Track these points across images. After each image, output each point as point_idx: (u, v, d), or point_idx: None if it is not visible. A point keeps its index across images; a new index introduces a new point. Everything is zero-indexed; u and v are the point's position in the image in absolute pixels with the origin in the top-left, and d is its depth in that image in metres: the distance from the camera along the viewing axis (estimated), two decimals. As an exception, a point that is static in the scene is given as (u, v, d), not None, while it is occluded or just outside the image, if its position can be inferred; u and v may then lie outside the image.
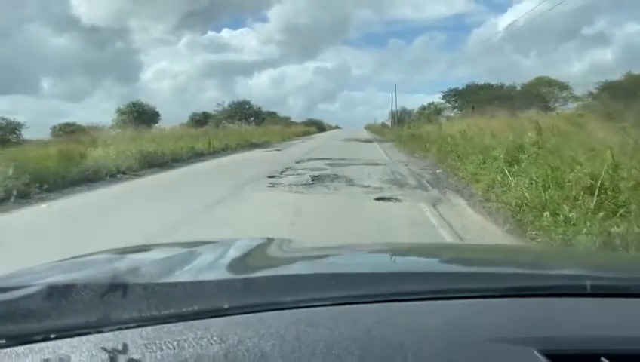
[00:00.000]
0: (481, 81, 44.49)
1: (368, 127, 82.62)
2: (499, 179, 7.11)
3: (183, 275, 0.93)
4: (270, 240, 1.36)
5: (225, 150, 19.50)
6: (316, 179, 9.60)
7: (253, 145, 23.59)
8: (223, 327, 0.69)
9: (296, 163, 13.48)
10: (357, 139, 33.50)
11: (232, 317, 0.73)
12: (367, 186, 8.63)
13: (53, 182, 8.81)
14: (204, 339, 0.66)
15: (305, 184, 8.91)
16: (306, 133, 50.75)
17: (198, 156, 16.17)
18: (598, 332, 0.75)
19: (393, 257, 1.41)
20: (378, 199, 7.30)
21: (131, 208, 6.69)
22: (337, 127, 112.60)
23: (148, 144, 15.71)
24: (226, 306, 0.75)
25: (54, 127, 33.90)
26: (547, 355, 0.64)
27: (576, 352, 0.67)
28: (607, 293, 0.89)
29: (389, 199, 7.34)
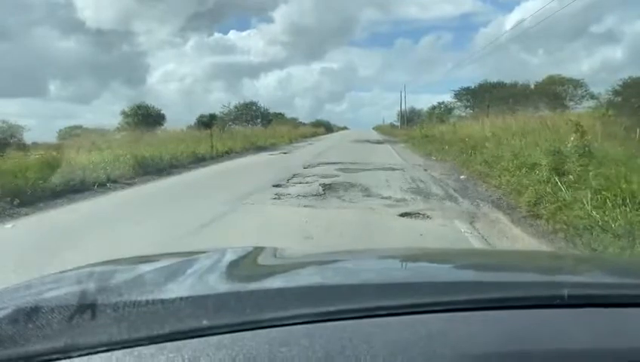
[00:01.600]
0: (493, 80, 43.20)
1: (377, 128, 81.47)
2: (548, 190, 5.93)
3: (154, 293, 0.86)
4: (256, 250, 1.33)
5: (229, 153, 18.42)
6: (328, 188, 8.47)
7: (259, 148, 22.48)
8: (196, 349, 0.68)
9: (305, 168, 12.35)
10: (367, 141, 32.34)
11: (205, 338, 0.70)
12: (387, 197, 7.48)
13: (30, 195, 7.78)
14: None
15: (315, 195, 7.78)
16: (313, 135, 49.69)
17: (199, 161, 15.09)
18: (575, 345, 0.73)
19: (371, 266, 1.36)
20: (403, 215, 6.15)
21: (104, 230, 5.56)
22: (345, 128, 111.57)
23: (146, 148, 14.70)
24: (200, 326, 0.72)
25: (60, 130, 33.43)
26: None
27: None
28: (585, 303, 0.85)
29: (416, 215, 6.18)
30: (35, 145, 20.85)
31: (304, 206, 6.83)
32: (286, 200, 7.32)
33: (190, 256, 1.25)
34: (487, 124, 16.03)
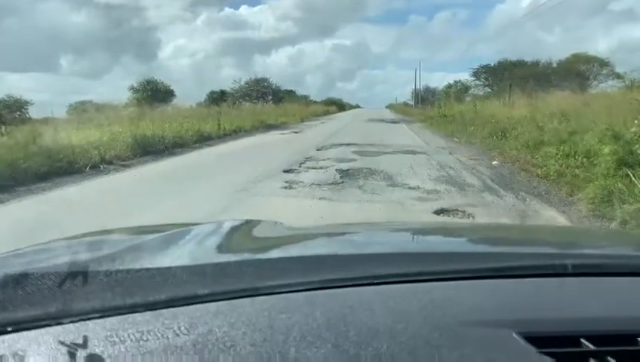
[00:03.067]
0: (511, 58, 41.43)
1: (390, 107, 79.74)
2: (619, 186, 4.84)
3: (150, 261, 0.87)
4: (253, 223, 1.31)
5: (237, 132, 17.37)
6: (345, 175, 7.43)
7: (269, 127, 21.38)
8: (192, 316, 0.66)
9: (318, 150, 11.30)
10: (381, 120, 31.12)
11: (202, 304, 0.69)
12: (415, 188, 6.43)
13: (8, 178, 6.87)
14: (172, 329, 0.63)
15: (332, 183, 6.75)
16: (325, 113, 48.41)
17: (205, 140, 14.07)
18: (578, 313, 0.73)
19: (373, 238, 1.34)
20: (439, 212, 5.12)
21: (82, 224, 4.61)
22: (358, 107, 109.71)
23: (148, 126, 13.73)
24: (198, 293, 0.71)
25: (70, 105, 32.89)
26: (526, 337, 0.62)
27: (556, 334, 0.65)
28: (589, 272, 0.86)
29: (454, 212, 5.15)
30: (34, 120, 20.15)
31: (319, 198, 5.82)
32: (298, 190, 6.31)
33: (187, 227, 1.18)
34: (520, 104, 14.70)
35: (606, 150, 5.69)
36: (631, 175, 4.88)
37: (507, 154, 9.67)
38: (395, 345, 0.61)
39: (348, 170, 7.95)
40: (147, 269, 0.78)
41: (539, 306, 0.75)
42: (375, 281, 0.77)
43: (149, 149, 10.93)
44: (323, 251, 1.09)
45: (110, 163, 9.16)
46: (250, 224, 1.29)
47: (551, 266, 0.85)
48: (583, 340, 0.63)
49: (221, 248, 1.04)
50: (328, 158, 9.61)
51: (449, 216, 5.01)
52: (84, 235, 1.18)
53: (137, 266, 0.79)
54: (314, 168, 8.28)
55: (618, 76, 35.07)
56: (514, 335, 0.63)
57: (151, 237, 1.12)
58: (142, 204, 5.71)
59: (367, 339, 0.62)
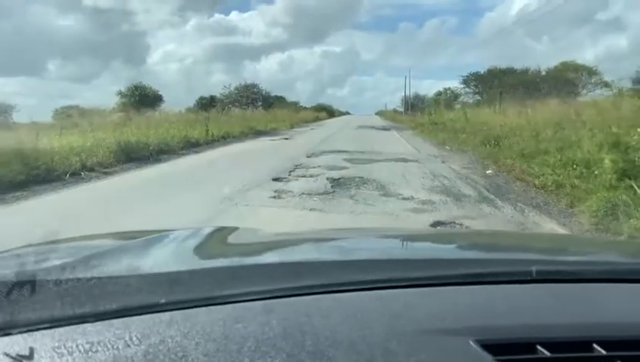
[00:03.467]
0: (500, 66, 41.69)
1: (380, 114, 79.69)
2: (623, 198, 4.62)
3: (102, 270, 0.82)
4: (228, 230, 1.28)
5: (226, 138, 17.03)
6: (337, 184, 7.16)
7: (258, 133, 21.07)
8: (145, 326, 0.64)
9: (308, 157, 11.04)
10: (372, 127, 30.95)
11: (155, 314, 0.67)
12: (409, 198, 6.18)
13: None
14: (123, 339, 0.61)
15: (322, 193, 6.47)
16: (315, 119, 48.21)
17: (192, 147, 13.73)
18: (536, 320, 0.72)
19: (337, 245, 1.31)
20: (436, 225, 4.87)
21: (54, 235, 4.29)
22: (347, 113, 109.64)
23: (133, 131, 13.39)
24: (151, 302, 0.69)
25: (56, 110, 32.47)
26: (483, 345, 0.62)
27: (513, 341, 0.64)
28: (553, 279, 0.85)
29: (452, 225, 4.90)
30: (34, 124, 19.71)
31: (310, 209, 5.54)
32: (287, 200, 6.02)
33: (143, 235, 1.15)
34: (512, 112, 14.58)
35: (607, 160, 5.48)
36: (635, 187, 4.68)
37: (501, 163, 9.47)
38: (352, 354, 0.60)
39: (339, 178, 7.68)
40: (99, 278, 0.75)
41: (498, 313, 0.74)
42: (334, 289, 0.75)
43: (132, 156, 10.57)
44: (283, 259, 1.06)
45: (92, 170, 8.81)
46: (224, 231, 1.26)
47: (514, 273, 0.84)
48: (539, 347, 0.62)
49: (181, 256, 1.01)
50: (319, 166, 9.34)
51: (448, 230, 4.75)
52: (33, 245, 1.14)
53: (89, 275, 0.76)
54: (304, 176, 8.01)
55: (606, 85, 35.49)
56: (471, 342, 0.62)
57: (104, 244, 1.06)
58: (121, 213, 5.39)
59: (323, 349, 0.61)
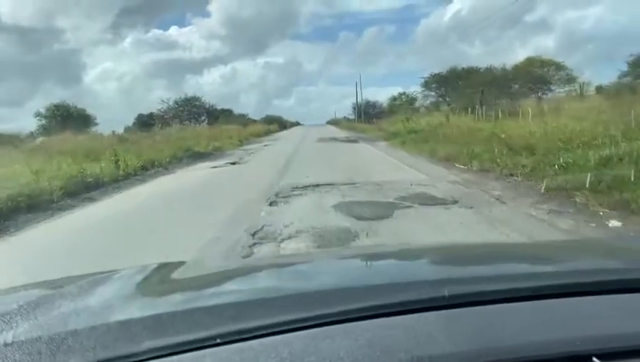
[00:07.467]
0: (440, 70, 39.41)
1: (333, 122, 76.09)
2: None
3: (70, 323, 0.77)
4: (163, 266, 1.19)
5: (147, 169, 12.12)
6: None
7: (196, 156, 16.18)
8: None
9: (272, 205, 6.54)
10: (334, 138, 26.90)
11: None
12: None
13: None
14: None
15: None
16: (267, 133, 43.82)
17: (85, 191, 8.74)
18: (535, 337, 0.69)
19: (299, 275, 1.20)
20: None
21: None
22: (298, 123, 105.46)
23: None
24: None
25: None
26: None
27: (516, 361, 0.62)
28: (543, 295, 0.81)
29: None
30: None
31: None
32: None
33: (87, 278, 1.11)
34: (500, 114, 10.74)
35: None
36: None
37: (613, 199, 5.40)
38: None
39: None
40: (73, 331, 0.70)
41: (505, 333, 0.71)
42: (299, 326, 0.70)
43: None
44: (234, 298, 0.91)
45: None
46: (155, 270, 1.16)
47: (502, 291, 0.81)
48: None
49: (118, 304, 0.91)
50: (297, 232, 4.89)
51: None
52: None
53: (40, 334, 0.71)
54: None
55: (573, 79, 33.30)
56: None
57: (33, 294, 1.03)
58: None
59: None
